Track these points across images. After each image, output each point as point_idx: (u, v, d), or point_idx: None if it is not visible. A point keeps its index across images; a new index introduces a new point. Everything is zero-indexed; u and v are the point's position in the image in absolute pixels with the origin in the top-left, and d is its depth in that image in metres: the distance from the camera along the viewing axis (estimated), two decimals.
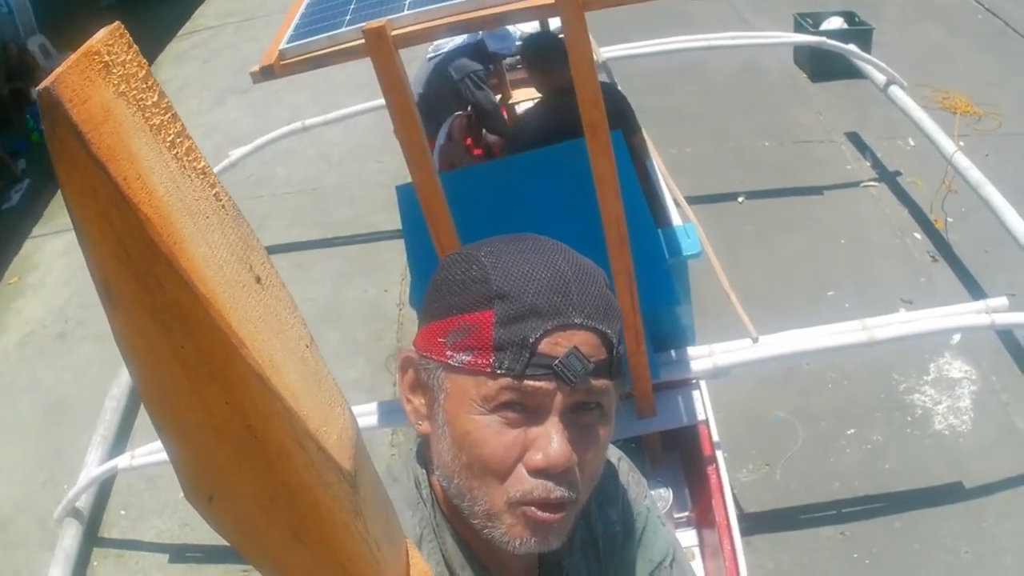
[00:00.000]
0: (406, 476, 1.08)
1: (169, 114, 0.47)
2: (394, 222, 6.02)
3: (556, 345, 0.88)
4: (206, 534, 4.37)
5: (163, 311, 0.44)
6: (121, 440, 4.72)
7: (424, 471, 1.07)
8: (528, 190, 3.37)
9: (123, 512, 4.55)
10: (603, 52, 5.78)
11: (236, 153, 6.20)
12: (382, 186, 6.53)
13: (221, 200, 0.51)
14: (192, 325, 0.45)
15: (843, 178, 6.10)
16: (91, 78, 0.45)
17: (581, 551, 1.16)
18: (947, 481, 3.93)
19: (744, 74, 7.32)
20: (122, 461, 4.06)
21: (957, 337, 4.58)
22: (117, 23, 0.47)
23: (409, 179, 2.80)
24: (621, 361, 0.94)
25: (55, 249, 6.81)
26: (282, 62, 2.61)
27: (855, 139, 6.51)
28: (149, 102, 0.45)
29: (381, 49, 2.51)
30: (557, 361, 0.87)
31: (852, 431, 4.21)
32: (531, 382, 0.88)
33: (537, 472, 0.90)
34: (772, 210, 5.78)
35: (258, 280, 0.48)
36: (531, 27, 5.20)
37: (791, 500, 3.94)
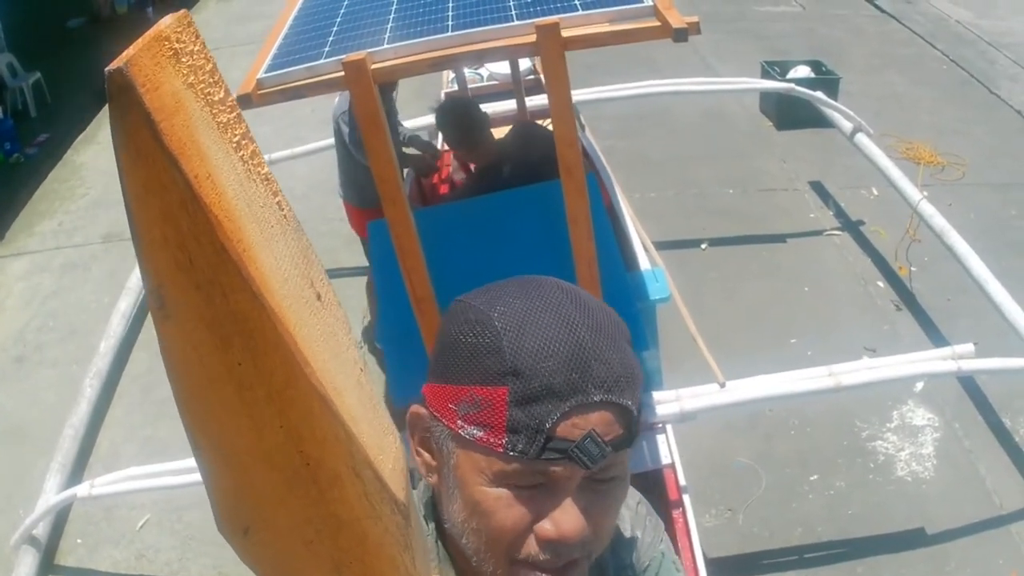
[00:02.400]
0: None
1: (235, 113, 0.42)
2: (356, 260, 6.01)
3: (574, 427, 0.82)
4: (163, 566, 4.28)
5: (224, 324, 0.40)
6: (79, 468, 4.61)
7: (429, 503, 1.03)
8: (501, 229, 3.36)
9: (79, 541, 4.43)
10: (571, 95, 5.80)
11: None
12: (345, 222, 6.46)
13: (283, 209, 0.47)
14: (255, 341, 0.41)
15: (807, 226, 6.16)
16: (162, 64, 0.41)
17: None
18: (910, 527, 3.95)
19: (710, 120, 7.41)
20: (81, 490, 3.97)
21: (920, 385, 4.63)
22: (184, 11, 0.43)
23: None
24: (640, 425, 0.89)
25: (15, 271, 6.68)
26: (260, 91, 2.58)
27: (819, 188, 6.60)
28: (216, 98, 0.41)
29: (360, 82, 2.49)
30: (574, 446, 0.82)
31: (815, 477, 4.22)
32: (546, 466, 0.84)
33: (548, 544, 0.86)
34: (735, 257, 5.82)
35: (319, 297, 0.45)
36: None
37: (755, 545, 3.92)
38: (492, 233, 3.35)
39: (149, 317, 4.08)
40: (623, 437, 0.86)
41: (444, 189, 5.05)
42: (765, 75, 7.48)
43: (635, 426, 0.87)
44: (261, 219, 0.41)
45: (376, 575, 0.51)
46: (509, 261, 3.31)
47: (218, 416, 0.44)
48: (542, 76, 5.85)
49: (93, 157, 8.26)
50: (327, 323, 0.44)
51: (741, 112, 7.57)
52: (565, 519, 0.85)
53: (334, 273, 6.02)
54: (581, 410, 0.82)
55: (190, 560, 4.26)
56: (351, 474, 0.46)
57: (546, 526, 0.85)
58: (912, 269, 5.54)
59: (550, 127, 5.03)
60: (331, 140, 6.10)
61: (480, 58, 2.59)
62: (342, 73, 2.50)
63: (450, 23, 2.58)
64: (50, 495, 4.21)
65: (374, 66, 2.49)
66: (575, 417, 0.82)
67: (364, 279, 5.81)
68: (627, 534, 1.19)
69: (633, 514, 1.22)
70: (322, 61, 2.56)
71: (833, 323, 5.16)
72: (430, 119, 5.45)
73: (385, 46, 2.53)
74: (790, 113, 7.25)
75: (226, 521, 0.50)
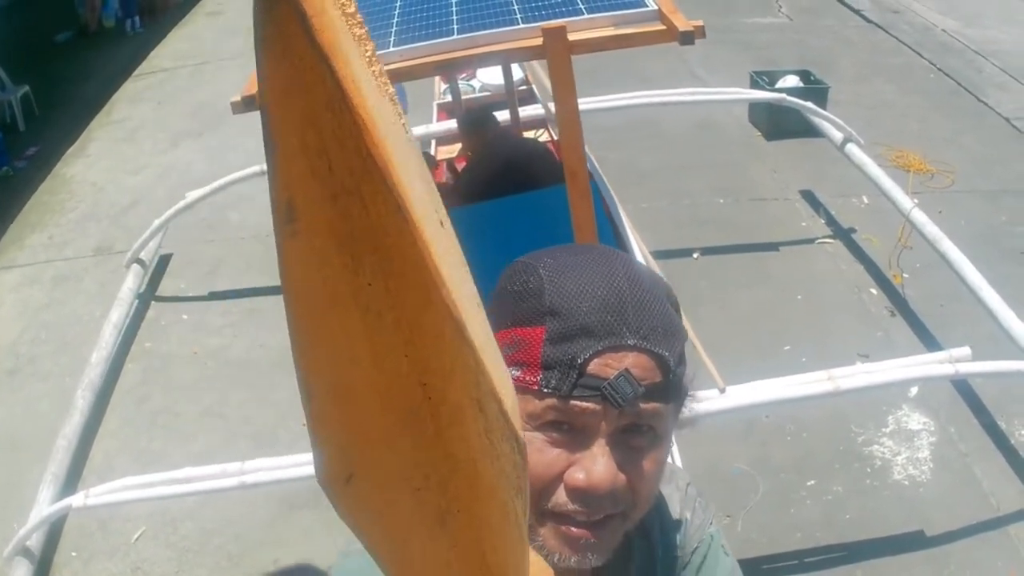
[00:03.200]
0: None
1: (365, 30, 0.40)
2: None
3: (606, 367, 0.83)
4: None
5: (358, 240, 0.37)
6: (72, 479, 4.56)
7: None
8: (507, 233, 3.36)
9: (74, 553, 4.37)
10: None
11: (192, 195, 6.10)
12: None
13: (408, 132, 0.45)
14: (392, 259, 0.38)
15: (798, 235, 6.17)
16: None
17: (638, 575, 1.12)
18: (908, 530, 3.94)
19: (699, 131, 7.44)
20: (76, 500, 3.93)
21: (915, 390, 4.67)
22: None
23: None
24: (680, 384, 0.90)
25: (6, 283, 6.62)
26: None
27: (809, 197, 6.62)
28: (350, 10, 0.39)
29: None
30: (606, 383, 0.82)
31: (812, 482, 4.22)
32: (578, 403, 0.83)
33: (576, 492, 0.85)
34: (728, 266, 5.83)
35: (441, 224, 0.43)
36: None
37: (753, 551, 3.91)
38: (499, 237, 3.35)
39: (141, 329, 4.05)
40: (659, 385, 0.86)
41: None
42: (754, 85, 7.51)
43: (673, 377, 0.88)
44: (394, 136, 0.40)
45: (484, 524, 0.48)
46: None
47: (335, 345, 0.41)
48: (534, 86, 5.89)
49: (83, 170, 8.21)
50: (449, 250, 0.42)
51: (731, 123, 7.60)
52: (596, 467, 0.84)
53: None
54: (615, 350, 0.83)
55: (186, 573, 4.21)
56: (475, 408, 0.43)
57: (576, 473, 0.85)
58: (904, 276, 5.55)
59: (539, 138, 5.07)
60: None
61: (485, 61, 2.61)
62: None
63: (455, 26, 2.58)
64: (43, 506, 4.16)
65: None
66: (608, 356, 0.83)
67: None
68: (675, 515, 1.18)
69: (683, 495, 1.21)
70: None
71: (827, 330, 5.17)
72: (423, 129, 5.46)
73: (391, 49, 2.54)
74: (780, 123, 7.27)
75: (329, 468, 0.46)
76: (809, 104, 6.35)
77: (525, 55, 2.61)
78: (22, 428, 5.13)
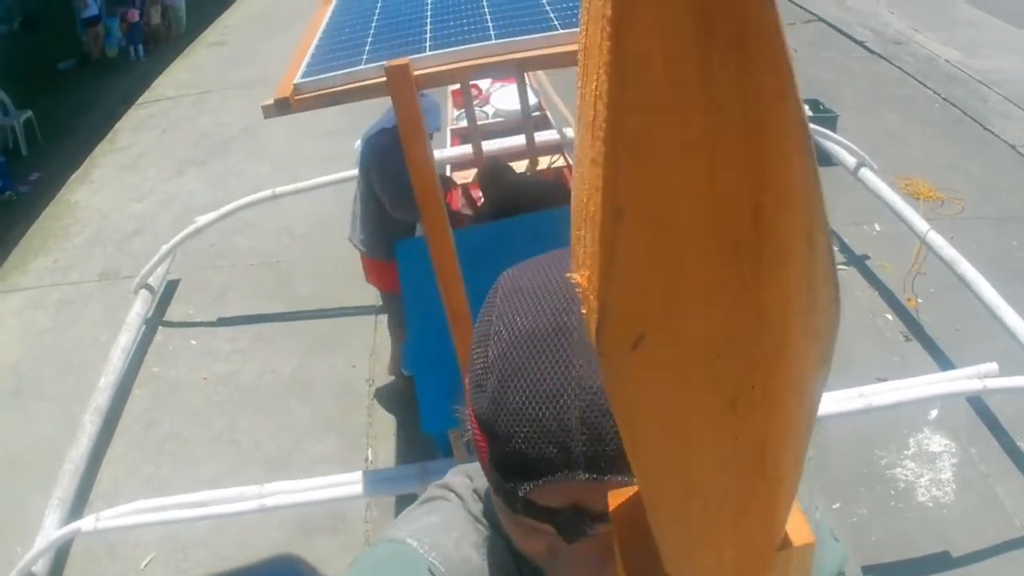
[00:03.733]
0: (471, 496, 1.00)
1: None
2: (361, 298, 5.94)
3: (552, 497, 0.71)
4: None
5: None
6: (79, 504, 4.46)
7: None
8: (536, 250, 3.31)
9: None
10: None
11: (203, 219, 6.05)
12: (348, 261, 6.40)
13: None
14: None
15: None
16: None
17: None
18: (934, 551, 3.91)
19: None
20: (86, 524, 3.84)
21: (935, 412, 4.65)
22: None
23: None
24: None
25: (7, 308, 6.55)
26: (297, 96, 2.54)
27: None
28: None
29: (403, 88, 2.46)
30: (557, 516, 0.72)
31: (838, 505, 4.15)
32: (532, 521, 0.74)
33: None
34: None
35: None
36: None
37: None
38: (527, 254, 3.30)
39: (149, 354, 4.01)
40: None
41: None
42: None
43: None
44: None
45: (777, 410, 0.39)
46: None
47: (663, 157, 0.32)
48: (548, 112, 5.88)
49: (87, 196, 8.16)
50: None
51: None
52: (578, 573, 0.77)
53: (337, 312, 5.97)
54: (560, 483, 0.70)
55: None
56: (804, 242, 0.35)
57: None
58: (919, 301, 5.53)
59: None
60: (339, 175, 6.11)
61: (524, 66, 2.57)
62: (383, 79, 2.46)
63: (492, 31, 2.55)
64: (50, 531, 4.06)
65: (417, 72, 2.45)
66: (552, 488, 0.71)
67: (370, 318, 5.80)
68: None
69: None
70: (362, 67, 2.53)
71: (844, 355, 5.12)
72: (438, 154, 5.40)
73: (427, 53, 2.50)
74: None
75: (615, 327, 0.35)
76: (824, 129, 6.37)
77: (564, 61, 2.57)
78: (24, 451, 5.03)
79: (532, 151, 5.17)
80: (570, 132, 5.57)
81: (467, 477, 1.02)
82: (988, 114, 8.47)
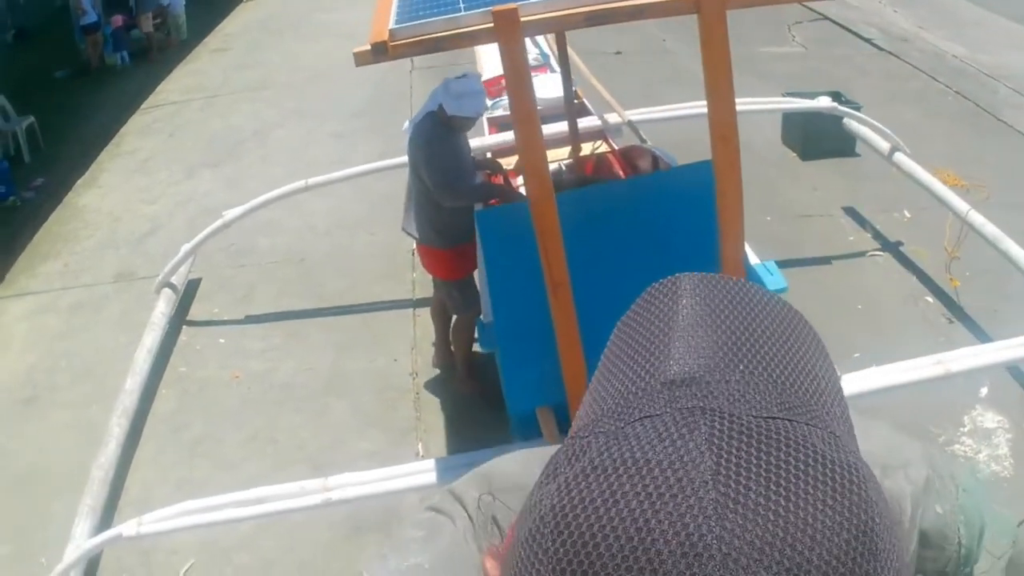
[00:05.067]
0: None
1: None
2: (395, 292, 5.80)
3: None
4: None
5: None
6: (108, 513, 4.24)
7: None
8: (638, 214, 3.17)
9: None
10: (627, 114, 5.67)
11: (230, 214, 5.87)
12: (376, 257, 6.26)
13: None
14: None
15: (848, 248, 6.11)
16: None
17: None
18: None
19: None
20: (127, 529, 3.63)
21: (985, 389, 4.60)
22: None
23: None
24: None
25: (16, 313, 6.33)
26: (394, 42, 2.38)
27: (852, 213, 6.54)
28: None
29: (510, 34, 2.32)
30: None
31: None
32: None
33: None
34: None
35: None
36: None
37: None
38: (628, 218, 3.16)
39: (174, 354, 3.82)
40: None
41: None
42: None
43: None
44: None
45: None
46: (645, 246, 3.12)
47: None
48: (585, 100, 5.73)
49: (95, 200, 7.96)
50: None
51: (764, 144, 7.48)
52: None
53: (369, 308, 5.81)
54: None
55: None
56: None
57: None
58: (956, 285, 5.52)
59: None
60: (376, 164, 5.97)
61: (636, 14, 2.42)
62: (488, 24, 2.32)
63: None
64: (81, 540, 3.85)
65: (525, 18, 2.30)
66: None
67: (408, 312, 5.66)
68: (934, 531, 0.83)
69: (918, 488, 0.83)
70: (463, 13, 2.38)
71: (891, 337, 5.07)
72: (477, 142, 5.24)
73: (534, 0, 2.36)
74: (814, 144, 7.26)
75: None
76: (859, 114, 6.28)
77: (677, 9, 2.43)
78: (43, 460, 4.81)
79: (575, 138, 5.03)
80: (611, 117, 5.43)
81: (487, 484, 0.79)
82: (999, 106, 8.51)
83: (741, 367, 0.51)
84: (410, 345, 5.34)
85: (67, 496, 4.26)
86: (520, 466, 0.79)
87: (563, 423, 2.94)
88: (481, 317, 3.98)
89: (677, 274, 0.60)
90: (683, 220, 3.07)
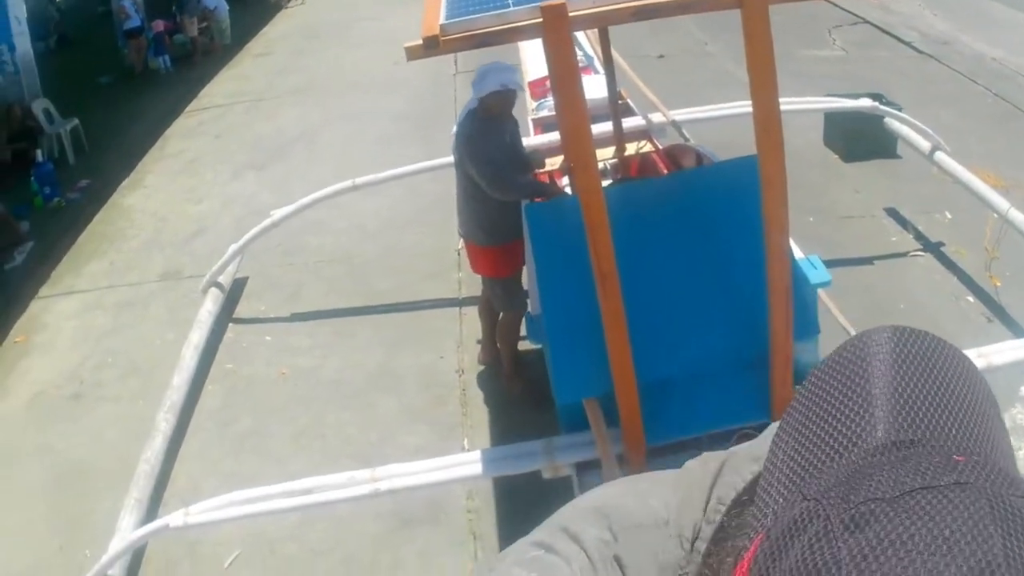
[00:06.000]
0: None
1: None
2: (442, 291, 5.86)
3: None
4: None
5: None
6: (154, 506, 4.30)
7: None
8: (685, 207, 3.20)
9: None
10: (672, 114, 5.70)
11: (279, 213, 5.95)
12: (425, 257, 6.32)
13: None
14: None
15: (890, 249, 6.10)
16: None
17: None
18: None
19: None
20: (174, 519, 3.61)
21: (1023, 388, 4.56)
22: None
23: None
24: None
25: (64, 311, 6.44)
26: (445, 36, 2.43)
27: (894, 214, 6.53)
28: None
29: (558, 28, 2.35)
30: None
31: None
32: None
33: None
34: None
35: None
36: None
37: None
38: (674, 211, 3.20)
39: (220, 351, 3.89)
40: None
41: None
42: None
43: None
44: None
45: None
46: (692, 240, 3.16)
47: None
48: (629, 100, 5.76)
49: (141, 200, 8.09)
50: None
51: (807, 146, 7.48)
52: None
53: (417, 306, 5.86)
54: None
55: None
56: None
57: None
58: (997, 285, 5.53)
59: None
60: (422, 164, 6.03)
61: (683, 9, 2.45)
62: (537, 20, 2.36)
63: None
64: (126, 533, 3.89)
65: (573, 13, 2.34)
66: None
67: (454, 311, 5.71)
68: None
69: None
70: (512, 8, 2.42)
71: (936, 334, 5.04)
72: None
73: None
74: (856, 145, 7.27)
75: None
76: (901, 114, 6.32)
77: (720, 4, 2.46)
78: (90, 455, 4.89)
79: (620, 138, 5.06)
80: (655, 117, 5.45)
81: (607, 530, 0.71)
82: None
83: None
84: (456, 343, 5.38)
85: (114, 491, 4.34)
86: (637, 503, 0.73)
87: (609, 415, 2.97)
88: (528, 310, 4.01)
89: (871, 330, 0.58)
90: (729, 213, 3.11)
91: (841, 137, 7.38)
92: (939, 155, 6.05)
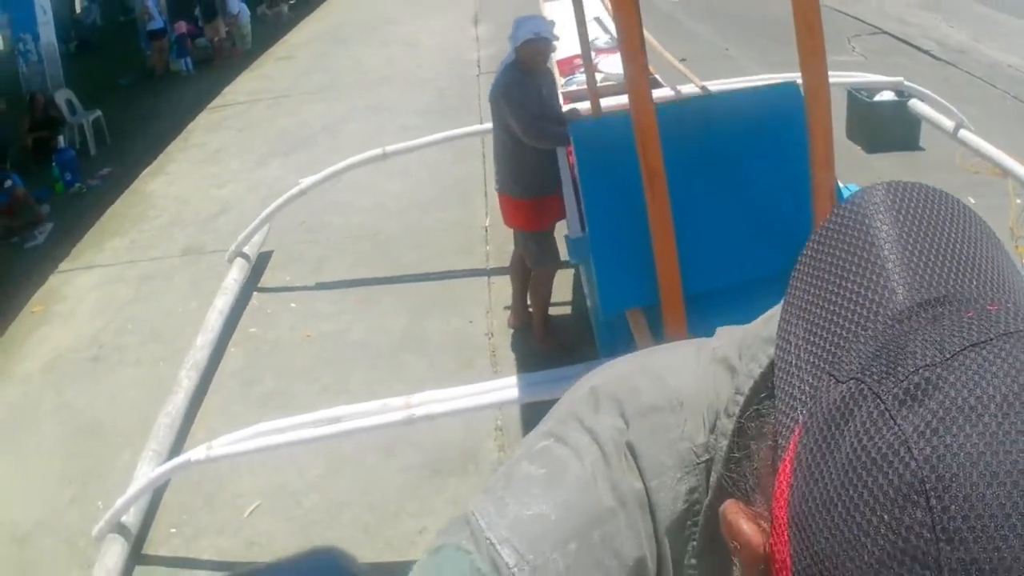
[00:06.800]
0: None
1: None
2: (470, 262, 5.80)
3: None
4: (281, 552, 3.78)
5: None
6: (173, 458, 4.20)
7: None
8: (730, 128, 3.18)
9: (173, 530, 3.95)
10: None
11: (307, 181, 5.91)
12: (450, 233, 6.28)
13: None
14: None
15: None
16: None
17: None
18: None
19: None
20: (195, 454, 3.51)
21: None
22: None
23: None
24: None
25: (85, 283, 6.40)
26: None
27: None
28: None
29: None
30: None
31: None
32: None
33: None
34: None
35: None
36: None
37: None
38: (724, 131, 3.17)
39: (244, 317, 3.89)
40: None
41: None
42: (852, 100, 7.54)
43: None
44: None
45: None
46: (737, 159, 3.13)
47: None
48: (656, 73, 5.75)
49: (163, 186, 8.07)
50: None
51: None
52: None
53: (445, 275, 5.80)
54: None
55: (312, 547, 3.81)
56: None
57: None
58: None
59: None
60: (451, 132, 6.03)
61: None
62: None
63: None
64: (142, 480, 3.77)
65: None
66: None
67: (483, 279, 5.66)
68: None
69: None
70: None
71: None
72: None
73: None
74: (879, 137, 7.32)
75: None
76: (925, 91, 6.52)
77: None
78: (108, 415, 4.82)
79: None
80: (687, 88, 5.44)
81: (620, 416, 0.66)
82: None
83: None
84: (485, 309, 5.32)
85: (131, 447, 4.28)
86: (651, 383, 0.68)
87: (654, 325, 2.90)
88: (567, 234, 3.96)
89: (863, 191, 0.54)
90: (775, 134, 3.10)
91: (864, 128, 7.42)
92: (963, 132, 6.03)
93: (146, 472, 3.88)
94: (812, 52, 2.56)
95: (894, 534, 0.38)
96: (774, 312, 0.61)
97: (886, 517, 0.38)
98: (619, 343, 3.09)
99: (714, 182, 3.09)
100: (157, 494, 3.99)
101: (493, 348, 4.93)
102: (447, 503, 3.87)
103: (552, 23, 4.45)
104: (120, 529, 3.70)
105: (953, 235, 0.50)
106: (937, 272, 0.47)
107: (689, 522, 0.62)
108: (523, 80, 4.30)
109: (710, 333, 0.72)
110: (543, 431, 0.69)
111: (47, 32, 9.80)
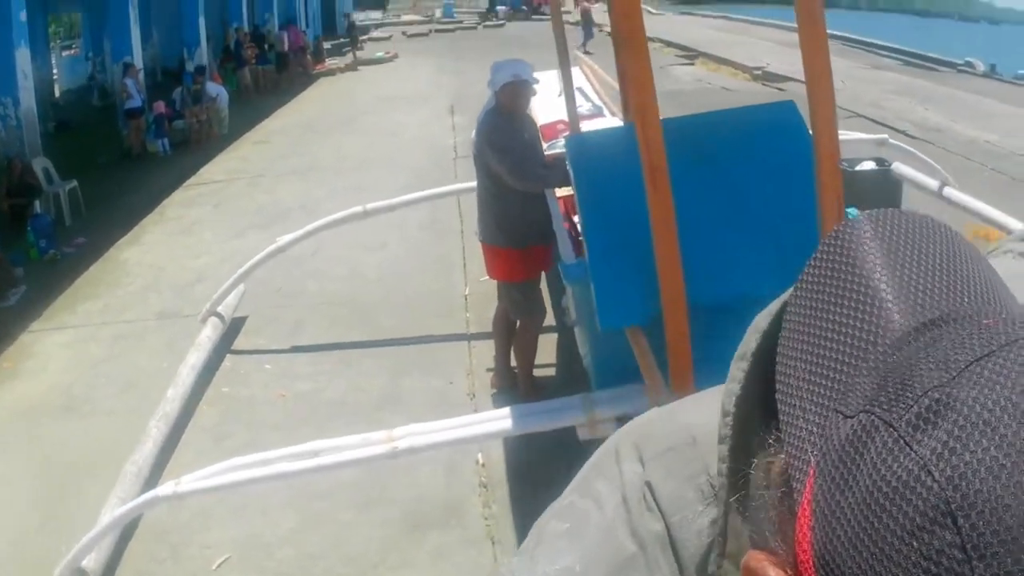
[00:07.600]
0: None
1: None
2: (450, 327, 5.74)
3: None
4: None
5: None
6: None
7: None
8: (736, 144, 3.22)
9: None
10: None
11: (284, 239, 5.87)
12: (430, 297, 6.25)
13: None
14: None
15: None
16: None
17: None
18: None
19: None
20: (163, 490, 3.36)
21: None
22: None
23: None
24: None
25: (57, 341, 6.27)
26: None
27: None
28: None
29: None
30: None
31: None
32: None
33: None
34: None
35: None
36: None
37: None
38: (730, 147, 3.21)
39: (217, 377, 3.92)
40: None
41: None
42: None
43: None
44: None
45: None
46: (736, 172, 3.16)
47: None
48: None
49: (138, 255, 7.99)
50: None
51: None
52: None
53: (425, 339, 5.71)
54: None
55: None
56: None
57: None
58: None
59: None
60: (429, 191, 6.04)
61: None
62: None
63: None
64: (106, 519, 3.61)
65: None
66: None
67: (463, 344, 5.58)
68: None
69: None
70: None
71: None
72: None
73: None
74: (857, 195, 7.46)
75: None
76: (910, 148, 6.82)
77: None
78: (79, 458, 4.68)
79: None
80: None
81: (638, 461, 0.67)
82: None
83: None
84: (466, 371, 5.23)
85: (98, 488, 4.12)
86: (665, 424, 0.69)
87: (656, 351, 2.85)
88: (560, 261, 3.93)
89: (850, 220, 0.53)
90: (778, 149, 3.15)
91: (847, 197, 7.51)
92: (948, 190, 6.18)
93: (108, 519, 3.66)
94: (816, 41, 2.58)
95: (926, 560, 0.37)
96: (751, 331, 0.59)
97: (915, 544, 0.37)
98: (614, 375, 3.06)
99: (712, 195, 3.11)
100: (122, 541, 3.82)
101: (476, 407, 4.80)
102: (430, 557, 3.71)
103: (531, 66, 4.51)
104: (79, 575, 3.49)
105: (940, 256, 0.49)
106: (930, 294, 0.47)
107: (715, 554, 0.61)
108: (505, 124, 4.33)
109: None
110: (570, 488, 0.70)
111: (27, 97, 9.83)
